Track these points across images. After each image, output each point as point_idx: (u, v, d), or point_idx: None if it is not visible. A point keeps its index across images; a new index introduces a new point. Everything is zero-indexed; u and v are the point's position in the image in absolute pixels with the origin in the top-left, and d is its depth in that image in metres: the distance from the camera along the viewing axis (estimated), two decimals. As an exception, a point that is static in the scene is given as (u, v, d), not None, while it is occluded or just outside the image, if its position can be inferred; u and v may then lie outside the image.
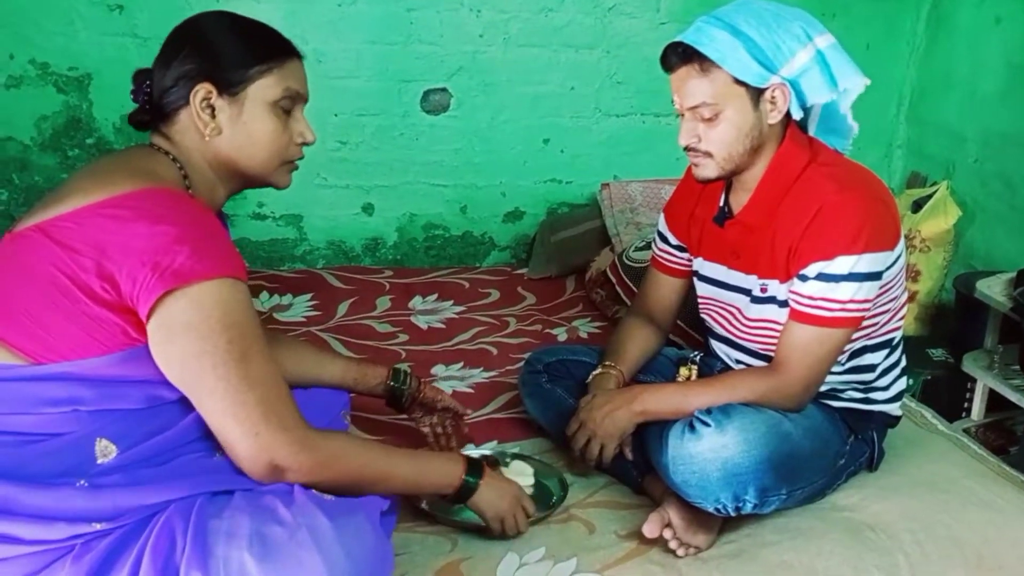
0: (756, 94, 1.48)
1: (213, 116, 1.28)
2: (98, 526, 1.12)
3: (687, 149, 1.55)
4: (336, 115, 2.89)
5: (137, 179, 1.19)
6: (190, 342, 1.14)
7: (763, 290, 1.58)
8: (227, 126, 1.29)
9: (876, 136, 3.34)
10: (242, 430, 1.17)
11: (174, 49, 1.30)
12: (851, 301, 1.48)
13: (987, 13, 2.88)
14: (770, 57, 1.46)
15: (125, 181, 1.19)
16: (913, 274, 2.97)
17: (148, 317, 1.14)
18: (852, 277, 1.46)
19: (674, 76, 1.51)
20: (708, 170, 1.54)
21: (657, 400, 1.61)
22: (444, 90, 2.95)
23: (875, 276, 1.49)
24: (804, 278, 1.50)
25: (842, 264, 1.46)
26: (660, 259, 1.82)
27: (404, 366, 1.77)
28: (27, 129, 2.74)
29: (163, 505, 1.16)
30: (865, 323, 1.55)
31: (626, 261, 2.58)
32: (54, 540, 1.10)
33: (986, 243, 2.89)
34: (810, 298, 1.49)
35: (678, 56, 1.48)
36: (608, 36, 3.00)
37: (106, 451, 1.17)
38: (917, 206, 2.98)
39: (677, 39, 1.49)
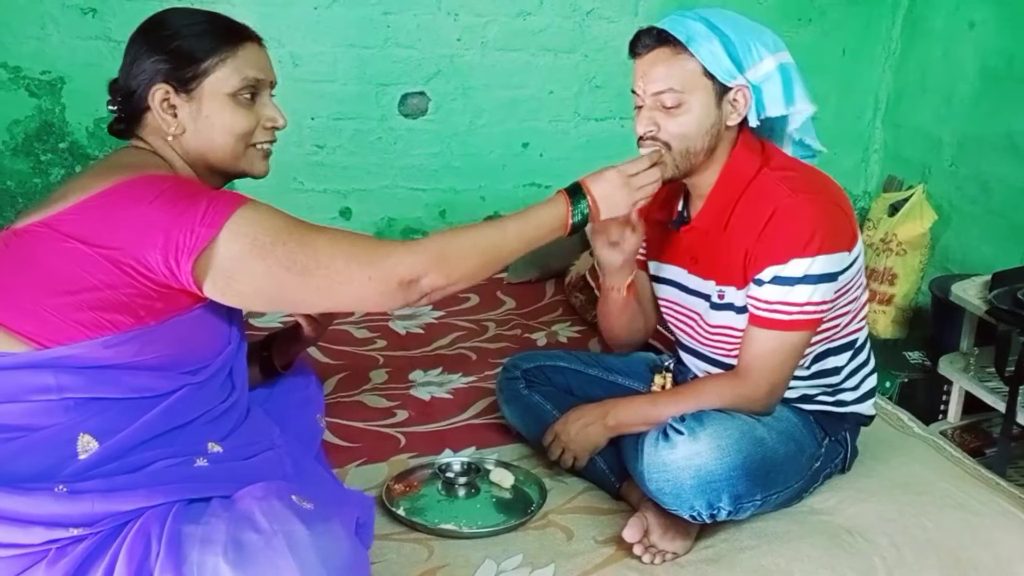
0: (721, 92, 1.49)
1: (175, 115, 1.30)
2: (75, 531, 1.12)
3: (642, 140, 1.54)
4: (313, 119, 2.88)
5: (130, 171, 1.22)
6: (252, 268, 1.19)
7: (720, 296, 1.59)
8: (189, 123, 1.31)
9: (853, 140, 3.36)
10: (356, 285, 1.23)
11: (131, 53, 1.32)
12: (808, 303, 1.48)
13: (961, 18, 2.91)
14: (740, 56, 1.48)
15: (119, 173, 1.21)
16: (890, 277, 2.99)
17: (195, 275, 1.17)
18: (807, 279, 1.47)
19: (642, 61, 1.51)
20: (663, 168, 1.53)
21: (628, 414, 1.63)
22: (422, 94, 2.94)
23: (830, 277, 1.49)
24: (760, 282, 1.50)
25: (796, 267, 1.46)
26: None
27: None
28: (-1, 133, 2.71)
29: (141, 511, 1.16)
30: (825, 325, 1.56)
31: (605, 265, 2.58)
32: (30, 544, 1.10)
33: (962, 246, 2.92)
34: (767, 302, 1.50)
35: (652, 39, 1.49)
36: (586, 40, 3.00)
37: (88, 446, 1.17)
38: (893, 210, 3.00)
39: (651, 25, 1.50)
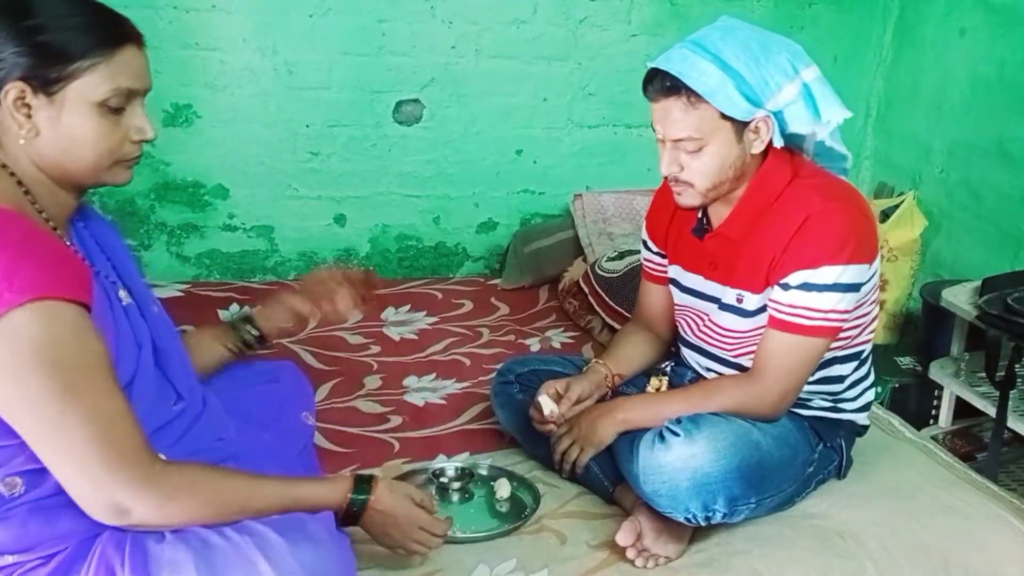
0: (741, 126, 1.48)
1: (29, 116, 1.12)
2: (10, 559, 1.09)
3: (667, 180, 1.55)
4: (308, 126, 2.88)
5: None
6: (2, 383, 1.03)
7: (739, 300, 1.59)
8: (46, 128, 1.13)
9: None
10: (75, 471, 1.07)
11: None
12: (832, 311, 1.49)
13: (952, 25, 2.93)
14: (757, 92, 1.45)
15: None
16: (881, 283, 2.99)
17: None
18: (836, 287, 1.47)
19: (657, 106, 1.49)
20: (690, 199, 1.54)
21: (637, 409, 1.64)
22: (416, 101, 2.95)
23: (856, 288, 1.50)
24: (786, 287, 1.50)
25: (827, 274, 1.47)
26: (646, 268, 1.84)
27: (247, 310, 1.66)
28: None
29: (88, 532, 1.12)
30: (840, 335, 1.57)
31: (599, 271, 2.59)
32: None
33: (952, 252, 2.93)
34: (791, 307, 1.50)
35: (665, 88, 1.46)
36: (580, 48, 3.01)
37: (12, 486, 1.11)
38: (884, 216, 3.01)
39: (662, 67, 1.46)
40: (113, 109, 1.15)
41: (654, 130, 1.52)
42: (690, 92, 1.44)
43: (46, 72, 1.11)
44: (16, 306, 1.02)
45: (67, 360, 1.05)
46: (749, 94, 1.45)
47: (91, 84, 1.12)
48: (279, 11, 2.74)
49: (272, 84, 2.79)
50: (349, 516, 1.30)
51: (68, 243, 1.18)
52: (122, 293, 1.24)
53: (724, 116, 1.45)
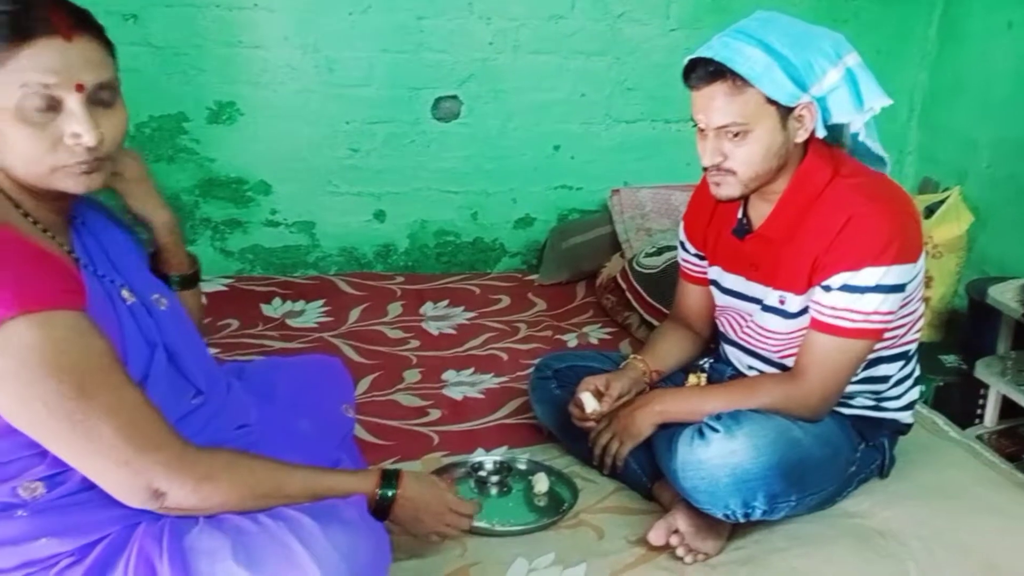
0: (785, 112, 1.45)
1: None
2: (44, 541, 1.09)
3: (708, 170, 1.52)
4: (347, 123, 2.91)
5: None
6: (12, 391, 1.02)
7: (781, 302, 1.58)
8: None
9: (888, 142, 3.24)
10: (108, 463, 1.07)
11: None
12: (875, 313, 1.47)
13: (998, 18, 2.87)
14: (803, 76, 1.44)
15: None
16: (925, 280, 2.94)
17: None
18: (879, 289, 1.46)
19: (700, 94, 1.46)
20: (731, 189, 1.51)
21: (676, 402, 1.64)
22: (455, 97, 2.96)
23: (900, 288, 1.48)
24: (828, 288, 1.49)
25: (869, 275, 1.45)
26: (684, 268, 1.83)
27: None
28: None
29: (124, 520, 1.13)
30: (885, 335, 1.55)
31: (636, 267, 2.58)
32: (6, 569, 1.07)
33: (998, 249, 2.88)
34: (833, 308, 1.48)
35: (708, 74, 1.44)
36: (618, 43, 3.00)
37: (33, 490, 1.11)
38: (929, 212, 2.96)
39: (705, 55, 1.44)
40: (36, 113, 1.03)
41: (694, 122, 1.50)
42: (735, 76, 1.42)
43: None
44: (9, 318, 0.99)
45: (75, 360, 1.03)
46: (796, 76, 1.43)
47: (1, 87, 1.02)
48: (320, 9, 2.77)
49: (313, 81, 2.82)
50: (378, 511, 1.31)
51: (66, 248, 1.14)
52: (125, 293, 1.20)
53: (769, 100, 1.43)
